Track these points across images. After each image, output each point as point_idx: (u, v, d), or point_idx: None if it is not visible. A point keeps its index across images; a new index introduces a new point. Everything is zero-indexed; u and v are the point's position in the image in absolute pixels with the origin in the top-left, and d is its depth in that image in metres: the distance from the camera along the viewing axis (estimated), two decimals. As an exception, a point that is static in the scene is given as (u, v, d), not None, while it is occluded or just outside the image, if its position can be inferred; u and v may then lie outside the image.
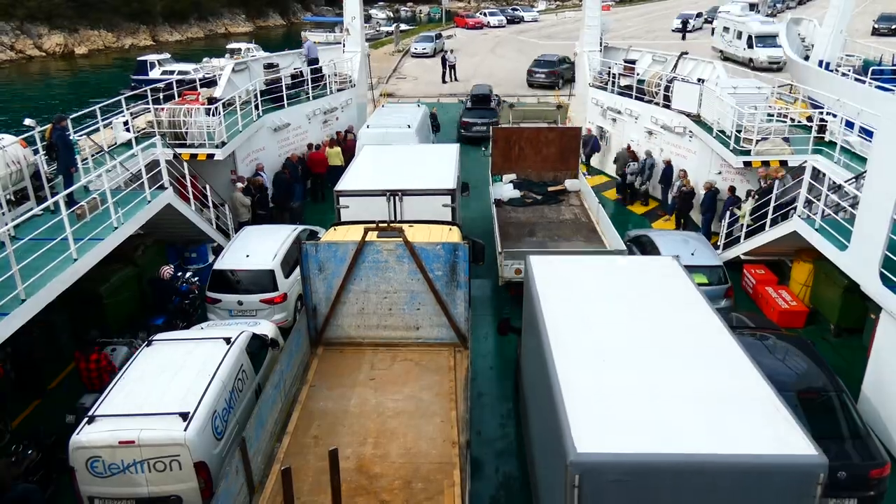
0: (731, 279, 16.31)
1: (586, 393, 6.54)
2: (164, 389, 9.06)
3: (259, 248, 14.16)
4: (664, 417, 6.25)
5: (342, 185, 14.76)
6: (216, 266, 13.90)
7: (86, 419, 8.63)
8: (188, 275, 14.63)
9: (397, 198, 14.09)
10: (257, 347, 10.90)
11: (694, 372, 6.96)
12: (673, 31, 60.03)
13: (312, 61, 24.08)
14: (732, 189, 17.52)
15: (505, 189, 18.25)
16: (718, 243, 17.49)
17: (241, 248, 14.28)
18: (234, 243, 14.70)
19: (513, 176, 19.02)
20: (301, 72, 23.99)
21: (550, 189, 18.47)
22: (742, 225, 16.14)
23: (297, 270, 12.25)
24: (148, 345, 10.22)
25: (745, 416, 6.29)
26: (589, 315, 8.10)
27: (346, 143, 22.65)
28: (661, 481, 5.83)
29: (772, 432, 6.07)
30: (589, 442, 5.85)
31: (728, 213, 17.04)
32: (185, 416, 8.54)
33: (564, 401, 6.38)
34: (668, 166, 20.03)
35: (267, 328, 12.36)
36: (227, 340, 10.12)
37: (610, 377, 6.85)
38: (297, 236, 14.61)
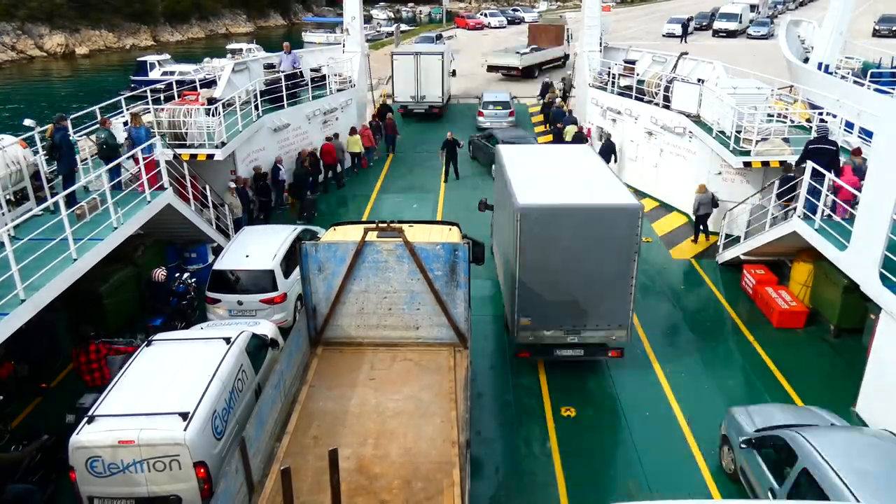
0: (732, 279, 16.42)
1: (524, 184, 12.41)
2: (164, 389, 9.06)
3: (259, 248, 14.24)
4: (564, 192, 12.27)
5: (396, 50, 33.27)
6: (216, 266, 13.95)
7: (85, 419, 8.62)
8: (185, 276, 14.55)
9: (418, 58, 31.01)
10: (257, 347, 10.92)
11: (584, 180, 13.04)
12: (664, 35, 59.07)
13: (290, 76, 21.97)
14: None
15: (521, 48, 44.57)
16: (718, 243, 17.54)
17: (240, 249, 14.34)
18: (233, 243, 14.77)
19: (531, 46, 45.28)
20: (301, 72, 24.00)
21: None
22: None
23: (297, 270, 12.34)
24: (148, 345, 10.22)
25: (605, 191, 12.35)
26: (530, 164, 14.21)
27: (387, 121, 27.26)
28: (560, 216, 11.50)
29: (617, 196, 12.02)
30: (524, 200, 11.62)
31: (727, 214, 17.06)
32: (184, 415, 8.52)
33: (513, 186, 12.31)
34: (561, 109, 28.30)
35: (267, 328, 12.37)
36: (227, 340, 10.13)
37: (536, 181, 12.79)
38: (296, 236, 14.70)
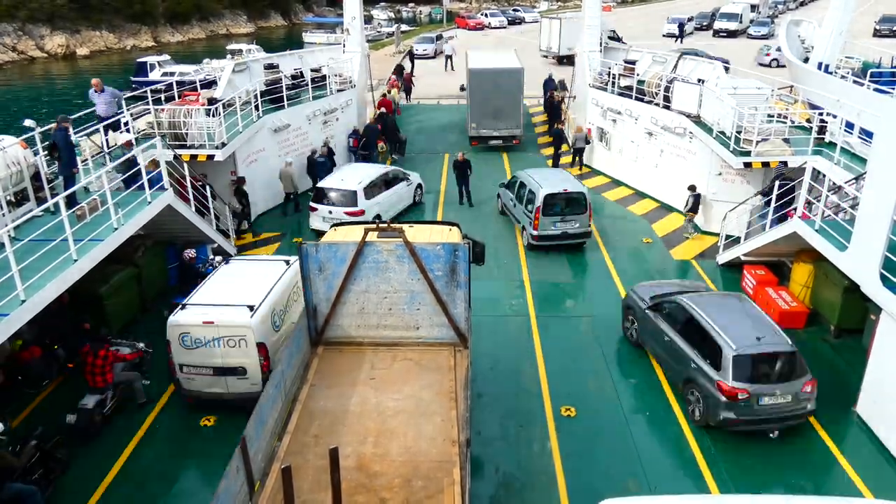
0: (732, 280, 16.38)
1: (475, 63, 27.23)
2: (237, 289, 11.95)
3: (352, 175, 19.36)
4: (490, 64, 27.42)
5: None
6: (319, 184, 19.17)
7: (179, 307, 11.51)
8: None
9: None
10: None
11: (501, 61, 28.11)
12: (664, 35, 59.22)
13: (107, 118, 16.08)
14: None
15: None
16: (719, 244, 17.54)
17: (340, 174, 19.72)
18: (338, 171, 20.24)
19: None
20: (301, 72, 24.00)
21: None
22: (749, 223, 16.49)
23: (380, 195, 19.06)
24: (226, 262, 13.60)
25: (508, 62, 27.59)
26: (480, 58, 28.55)
27: (405, 77, 36.55)
28: (488, 73, 26.50)
29: (513, 64, 27.31)
30: (473, 66, 26.88)
31: (727, 214, 17.05)
32: (251, 307, 11.37)
33: (469, 59, 28.27)
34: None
35: None
36: (287, 262, 13.10)
37: (481, 62, 27.54)
38: (387, 172, 20.05)
